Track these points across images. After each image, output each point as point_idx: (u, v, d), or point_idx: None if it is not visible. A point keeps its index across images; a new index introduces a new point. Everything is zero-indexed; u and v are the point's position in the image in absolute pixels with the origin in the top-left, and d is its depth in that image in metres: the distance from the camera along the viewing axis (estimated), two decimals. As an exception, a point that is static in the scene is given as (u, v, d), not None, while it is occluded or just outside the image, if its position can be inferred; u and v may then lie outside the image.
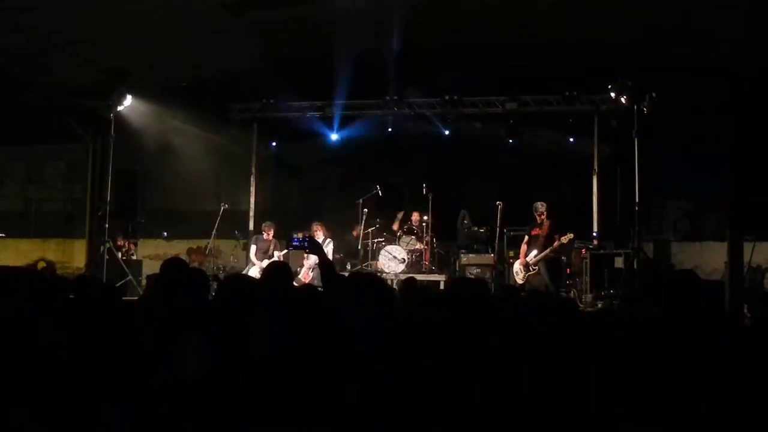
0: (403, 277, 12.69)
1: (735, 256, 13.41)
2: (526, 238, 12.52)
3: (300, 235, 12.24)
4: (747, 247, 13.17)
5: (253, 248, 13.63)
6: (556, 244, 12.04)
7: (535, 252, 12.23)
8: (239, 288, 4.76)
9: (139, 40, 13.36)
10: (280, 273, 5.49)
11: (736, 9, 11.71)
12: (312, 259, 12.97)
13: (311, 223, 13.48)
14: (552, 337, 4.24)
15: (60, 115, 15.61)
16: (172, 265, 6.13)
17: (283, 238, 14.25)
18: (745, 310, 8.03)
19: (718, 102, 13.61)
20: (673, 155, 14.02)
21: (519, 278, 12.42)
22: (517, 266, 12.53)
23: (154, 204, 16.52)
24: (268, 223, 13.76)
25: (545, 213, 12.33)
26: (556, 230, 12.14)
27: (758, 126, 13.44)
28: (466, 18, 13.02)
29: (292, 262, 13.77)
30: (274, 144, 16.21)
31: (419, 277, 13.15)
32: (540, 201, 12.41)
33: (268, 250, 13.43)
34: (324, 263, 5.60)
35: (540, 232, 12.29)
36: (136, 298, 7.75)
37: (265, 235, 13.57)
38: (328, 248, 13.14)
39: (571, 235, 12.06)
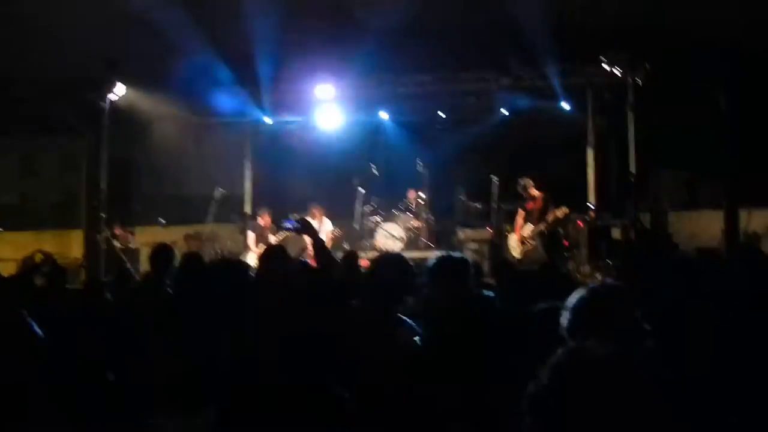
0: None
1: (731, 224, 13.47)
2: (522, 212, 12.53)
3: (294, 217, 12.34)
4: (743, 214, 13.22)
5: (251, 235, 13.65)
6: (550, 217, 12.05)
7: (530, 226, 12.24)
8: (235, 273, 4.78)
9: (130, 29, 13.30)
10: (275, 258, 5.50)
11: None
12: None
13: (308, 205, 13.51)
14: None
15: (53, 106, 15.56)
16: (160, 251, 6.18)
17: (279, 220, 14.27)
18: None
19: (714, 71, 13.59)
20: (668, 125, 14.02)
21: (516, 253, 12.43)
22: (514, 241, 12.54)
23: (149, 191, 16.53)
24: (262, 209, 13.79)
25: (533, 187, 12.34)
26: (551, 202, 12.15)
27: (753, 95, 13.46)
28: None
29: (291, 244, 13.77)
30: (268, 122, 16.07)
31: (416, 254, 13.23)
32: (525, 177, 12.43)
33: (264, 235, 13.45)
34: (317, 245, 5.58)
35: (534, 205, 12.30)
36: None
37: (260, 221, 13.59)
38: (326, 227, 13.18)
39: (566, 210, 12.06)
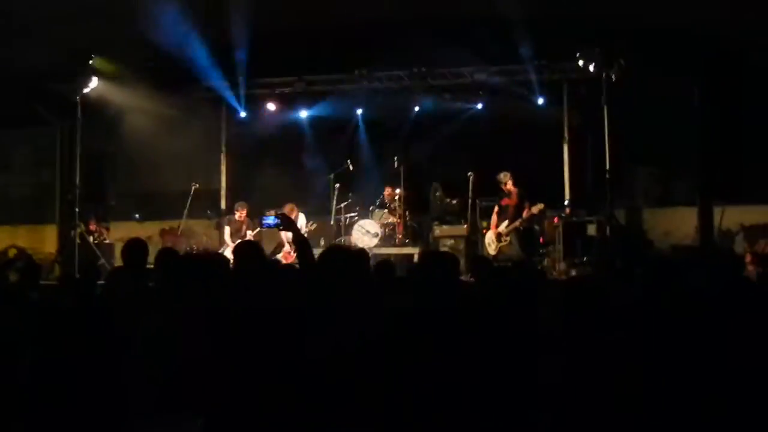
0: (377, 251, 12.76)
1: (705, 221, 13.57)
2: (497, 208, 12.57)
3: (272, 213, 12.32)
4: (717, 211, 13.33)
5: (227, 229, 13.63)
6: (526, 214, 12.11)
7: (506, 222, 12.28)
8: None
9: (104, 21, 13.17)
10: (249, 253, 5.45)
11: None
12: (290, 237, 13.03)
13: (284, 203, 13.47)
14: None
15: (25, 98, 15.38)
16: (132, 247, 6.11)
17: (255, 215, 14.23)
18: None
19: (688, 68, 13.66)
20: (643, 121, 14.07)
21: (491, 249, 12.48)
22: (489, 237, 12.57)
23: (124, 186, 16.40)
24: (240, 203, 13.77)
25: (510, 182, 12.39)
26: (526, 199, 12.21)
27: (726, 90, 13.54)
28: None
29: (267, 239, 13.73)
30: (242, 116, 15.97)
31: (393, 250, 13.25)
32: (504, 171, 12.47)
33: (240, 230, 13.43)
34: (298, 240, 5.54)
35: (510, 201, 12.35)
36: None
37: (237, 216, 13.57)
38: (300, 222, 13.15)
39: (541, 206, 12.13)
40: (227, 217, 14.06)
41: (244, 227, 13.47)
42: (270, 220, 7.02)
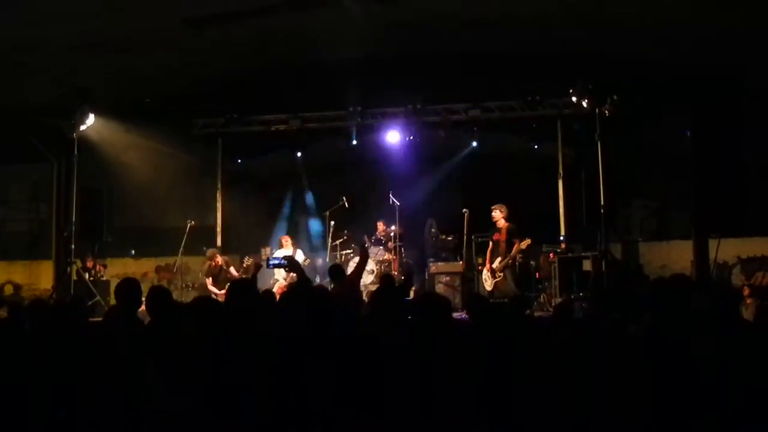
0: (372, 288, 12.72)
1: (701, 253, 13.54)
2: (491, 244, 12.57)
3: (279, 254, 12.42)
4: (713, 244, 13.30)
5: (208, 281, 13.42)
6: (514, 250, 12.12)
7: (499, 259, 12.28)
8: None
9: (101, 58, 13.24)
10: (242, 292, 5.46)
11: (695, 9, 11.81)
12: (279, 276, 13.05)
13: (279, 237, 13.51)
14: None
15: (22, 134, 15.42)
16: (127, 286, 6.08)
17: (254, 251, 14.24)
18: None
19: (680, 101, 13.71)
20: (637, 155, 14.11)
21: (488, 285, 12.45)
22: (485, 273, 12.56)
23: (120, 222, 16.39)
24: (209, 251, 13.60)
25: (502, 217, 12.39)
26: (515, 234, 12.22)
27: (719, 122, 13.56)
28: (425, 26, 13.02)
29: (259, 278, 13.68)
30: (240, 161, 16.13)
31: (389, 287, 13.21)
32: (497, 205, 12.48)
33: (220, 274, 13.30)
34: (303, 281, 5.64)
35: (500, 237, 12.35)
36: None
37: (212, 264, 13.41)
38: (299, 257, 13.13)
39: (528, 240, 12.14)
40: (207, 268, 13.76)
41: (224, 270, 13.34)
42: (276, 260, 7.22)
